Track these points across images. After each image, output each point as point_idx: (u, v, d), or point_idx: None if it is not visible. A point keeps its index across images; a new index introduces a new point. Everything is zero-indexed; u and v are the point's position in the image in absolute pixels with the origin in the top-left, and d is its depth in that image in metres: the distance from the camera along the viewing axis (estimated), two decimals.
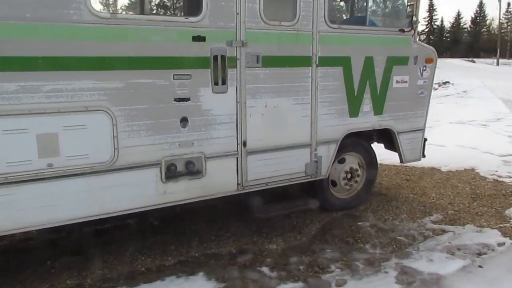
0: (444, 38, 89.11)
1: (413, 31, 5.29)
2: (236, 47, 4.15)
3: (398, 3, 5.76)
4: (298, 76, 4.57)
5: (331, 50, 4.74)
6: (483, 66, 41.83)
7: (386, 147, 5.99)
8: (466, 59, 51.91)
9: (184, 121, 4.01)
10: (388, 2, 6.05)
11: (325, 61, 4.71)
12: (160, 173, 3.97)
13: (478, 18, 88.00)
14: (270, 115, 4.47)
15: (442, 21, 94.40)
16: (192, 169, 4.13)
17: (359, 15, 5.71)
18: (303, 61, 4.58)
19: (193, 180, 4.16)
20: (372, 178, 5.82)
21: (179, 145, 4.02)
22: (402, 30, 5.23)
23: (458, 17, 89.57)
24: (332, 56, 4.76)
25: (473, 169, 7.41)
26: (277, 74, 4.43)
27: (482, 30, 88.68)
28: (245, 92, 4.27)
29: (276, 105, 4.49)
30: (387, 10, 6.03)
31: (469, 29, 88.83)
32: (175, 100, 3.93)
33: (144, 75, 3.75)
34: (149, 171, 3.93)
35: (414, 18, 5.24)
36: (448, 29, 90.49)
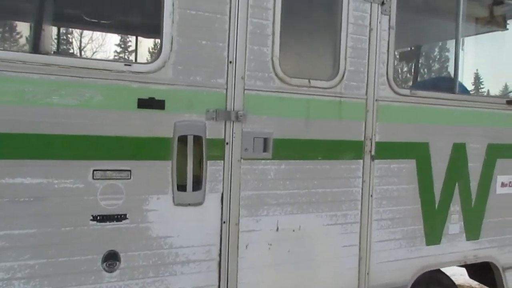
0: None
1: None
2: (226, 122, 2.25)
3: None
4: (339, 175, 2.58)
5: (397, 132, 2.77)
6: None
7: (472, 275, 3.76)
8: None
9: (111, 259, 2.06)
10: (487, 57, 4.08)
11: (387, 150, 2.73)
12: None
13: None
14: (285, 245, 2.45)
15: None
16: None
17: (443, 76, 3.76)
18: (349, 150, 2.61)
19: None
20: None
21: None
22: None
23: None
24: (399, 141, 2.77)
25: None
26: (300, 172, 2.46)
27: None
28: (238, 204, 2.30)
29: (297, 227, 2.48)
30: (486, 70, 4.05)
31: None
32: (94, 218, 2.01)
33: (29, 169, 1.88)
34: None
35: None
36: None
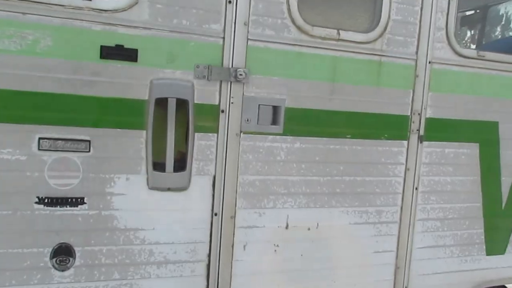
0: None
1: None
2: (221, 83, 1.70)
3: None
4: (374, 160, 1.99)
5: (457, 106, 2.12)
6: None
7: None
8: None
9: (63, 254, 1.60)
10: None
11: (442, 130, 2.11)
12: None
13: None
14: (297, 248, 1.90)
15: None
16: None
17: None
18: (390, 127, 2.00)
19: None
20: None
21: None
22: None
23: None
24: (458, 119, 2.12)
25: None
26: (321, 153, 1.88)
27: None
28: (234, 192, 1.77)
29: (314, 224, 1.91)
30: None
31: None
32: (41, 201, 1.54)
33: None
34: None
35: None
36: None
